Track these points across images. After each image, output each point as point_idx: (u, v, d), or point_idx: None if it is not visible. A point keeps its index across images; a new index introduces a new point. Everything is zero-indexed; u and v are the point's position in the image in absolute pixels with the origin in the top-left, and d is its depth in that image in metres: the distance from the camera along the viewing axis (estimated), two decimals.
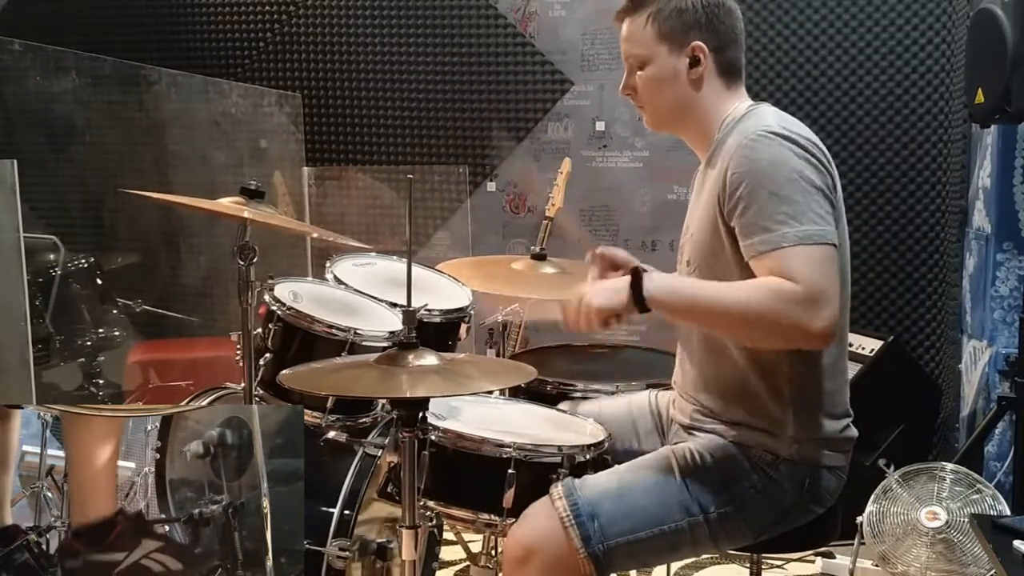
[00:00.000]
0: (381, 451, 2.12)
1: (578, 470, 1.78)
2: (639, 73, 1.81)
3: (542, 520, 1.69)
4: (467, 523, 1.85)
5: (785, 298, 1.52)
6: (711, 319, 1.65)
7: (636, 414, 2.03)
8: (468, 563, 2.81)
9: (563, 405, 2.15)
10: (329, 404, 2.18)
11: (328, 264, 2.52)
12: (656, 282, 1.63)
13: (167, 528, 1.81)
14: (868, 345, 3.32)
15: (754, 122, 1.68)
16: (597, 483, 1.73)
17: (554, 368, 2.47)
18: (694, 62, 1.76)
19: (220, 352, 3.10)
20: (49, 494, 1.85)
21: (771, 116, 1.70)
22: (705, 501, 1.70)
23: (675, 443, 1.84)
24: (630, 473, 1.75)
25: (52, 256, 3.44)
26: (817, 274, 1.54)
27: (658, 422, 2.01)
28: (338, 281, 2.45)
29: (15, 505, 1.85)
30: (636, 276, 1.63)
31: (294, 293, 2.27)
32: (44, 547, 1.77)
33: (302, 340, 2.19)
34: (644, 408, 2.04)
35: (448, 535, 2.87)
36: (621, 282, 1.64)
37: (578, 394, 2.25)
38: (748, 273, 1.63)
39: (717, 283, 1.63)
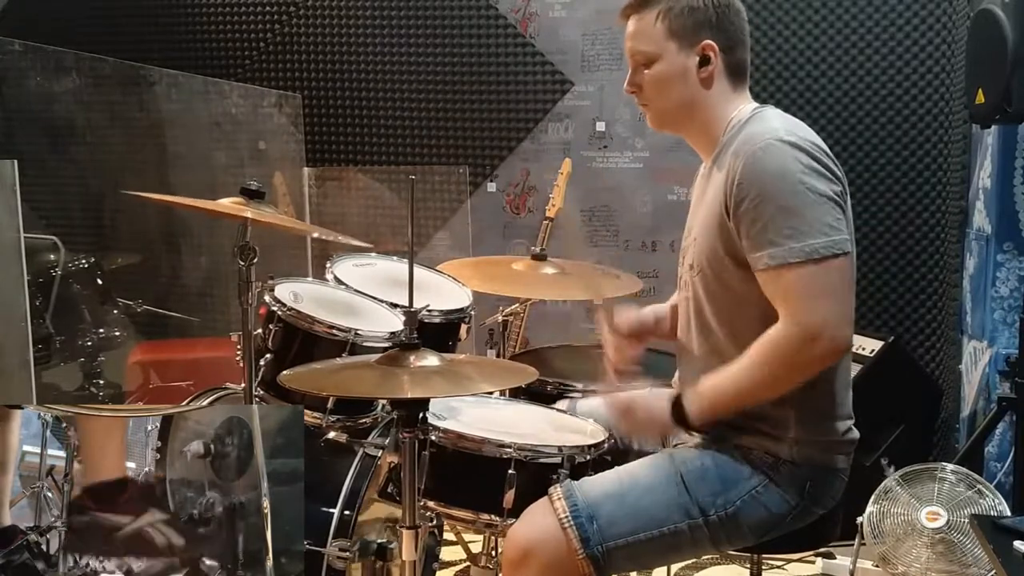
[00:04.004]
0: (381, 451, 2.12)
1: (578, 471, 1.78)
2: (646, 71, 1.79)
3: (541, 521, 1.69)
4: (467, 523, 1.85)
5: (785, 347, 1.60)
6: (748, 401, 1.69)
7: None
8: (468, 563, 2.81)
9: (562, 403, 2.15)
10: (329, 404, 2.18)
11: (328, 264, 2.52)
12: (695, 407, 1.70)
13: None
14: (868, 345, 3.32)
15: (760, 127, 1.67)
16: (596, 484, 1.73)
17: (554, 368, 2.47)
18: (704, 61, 1.75)
19: (220, 352, 3.10)
20: (49, 494, 1.85)
21: (778, 121, 1.69)
22: (705, 503, 1.70)
23: (675, 444, 1.84)
24: (630, 474, 1.75)
25: (52, 256, 3.44)
26: (813, 302, 1.58)
27: None
28: (338, 281, 2.45)
29: (15, 505, 1.85)
30: (678, 410, 1.71)
31: (294, 293, 2.27)
32: (44, 547, 1.77)
33: (303, 341, 2.19)
34: None
35: (448, 535, 2.87)
36: (663, 417, 1.73)
37: (578, 394, 2.25)
38: (748, 278, 1.65)
39: (728, 371, 1.67)
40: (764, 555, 2.04)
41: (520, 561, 1.68)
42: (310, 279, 2.49)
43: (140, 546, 1.76)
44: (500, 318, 2.80)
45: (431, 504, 1.80)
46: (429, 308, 2.29)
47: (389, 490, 1.87)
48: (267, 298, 2.21)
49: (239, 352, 2.17)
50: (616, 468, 1.79)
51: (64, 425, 1.84)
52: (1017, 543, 1.92)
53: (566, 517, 1.67)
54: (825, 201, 1.59)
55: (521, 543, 1.68)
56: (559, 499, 1.69)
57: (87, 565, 1.75)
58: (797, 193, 1.58)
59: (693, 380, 1.84)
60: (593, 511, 1.67)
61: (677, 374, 1.94)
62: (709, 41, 1.74)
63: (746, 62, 1.81)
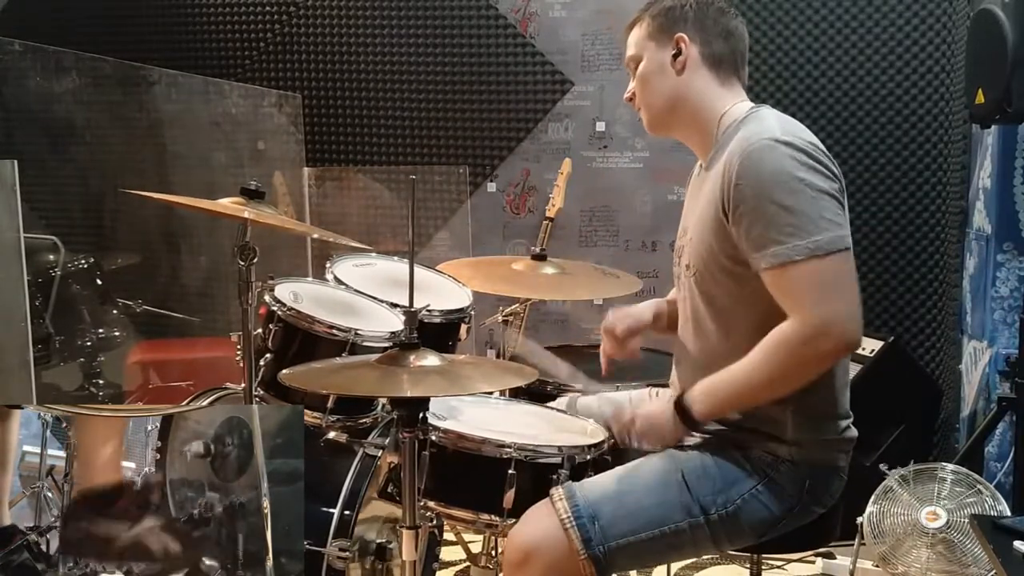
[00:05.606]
0: (381, 451, 2.13)
1: (578, 470, 1.78)
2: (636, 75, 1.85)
3: (542, 522, 1.69)
4: (467, 523, 1.84)
5: (796, 344, 1.58)
6: (754, 400, 1.69)
7: None
8: (468, 563, 2.81)
9: (562, 402, 2.15)
10: (329, 404, 2.18)
11: (328, 264, 2.52)
12: (699, 407, 1.69)
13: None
14: (868, 345, 3.32)
15: (756, 127, 1.67)
16: (597, 484, 1.73)
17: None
18: (677, 52, 1.79)
19: (220, 352, 3.10)
20: (49, 494, 1.85)
21: (774, 121, 1.69)
22: (706, 502, 1.70)
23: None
24: (631, 474, 1.75)
25: (52, 256, 3.44)
26: (822, 297, 1.57)
27: None
28: (338, 281, 2.45)
29: (15, 505, 1.85)
30: (681, 411, 1.70)
31: (294, 293, 2.27)
32: (44, 547, 1.77)
33: (302, 340, 2.19)
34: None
35: (448, 535, 2.87)
36: (666, 420, 1.73)
37: (577, 392, 2.25)
38: (744, 278, 1.65)
39: (737, 367, 1.65)
40: (764, 555, 2.04)
41: (521, 562, 1.67)
42: (310, 279, 2.49)
43: (139, 552, 1.76)
44: (500, 318, 2.80)
45: (431, 504, 1.79)
46: (429, 308, 2.29)
47: (389, 490, 1.87)
48: (267, 298, 2.21)
49: (239, 352, 2.17)
50: (617, 468, 1.79)
51: (64, 425, 1.84)
52: (1017, 543, 1.92)
53: (568, 518, 1.66)
54: (824, 196, 1.59)
55: (522, 544, 1.68)
56: (560, 500, 1.69)
57: (87, 566, 1.75)
58: (796, 191, 1.58)
59: (690, 379, 1.84)
60: (595, 511, 1.67)
61: (673, 373, 1.94)
62: (681, 33, 1.79)
63: (731, 56, 1.81)
